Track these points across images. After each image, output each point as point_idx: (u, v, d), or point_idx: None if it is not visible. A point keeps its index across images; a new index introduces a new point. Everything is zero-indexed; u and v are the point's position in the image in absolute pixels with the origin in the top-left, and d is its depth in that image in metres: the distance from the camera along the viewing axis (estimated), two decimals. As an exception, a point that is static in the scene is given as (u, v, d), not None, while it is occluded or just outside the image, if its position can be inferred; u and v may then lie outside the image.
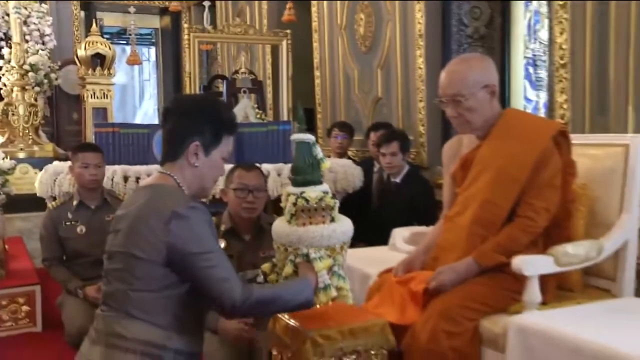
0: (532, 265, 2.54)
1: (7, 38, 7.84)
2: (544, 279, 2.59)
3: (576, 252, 2.64)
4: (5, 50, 7.50)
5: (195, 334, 2.17)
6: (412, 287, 2.70)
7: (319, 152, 2.41)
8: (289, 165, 4.68)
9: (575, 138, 2.83)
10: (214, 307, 2.20)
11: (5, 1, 7.81)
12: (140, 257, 2.02)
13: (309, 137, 2.41)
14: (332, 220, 2.37)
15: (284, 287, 2.26)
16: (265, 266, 2.50)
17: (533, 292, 2.53)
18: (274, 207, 4.79)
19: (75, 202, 4.14)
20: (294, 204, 2.33)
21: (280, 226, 2.37)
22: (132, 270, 2.03)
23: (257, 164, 3.59)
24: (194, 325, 2.17)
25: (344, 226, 2.39)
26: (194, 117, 2.18)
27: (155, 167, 4.59)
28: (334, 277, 2.36)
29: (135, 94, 16.65)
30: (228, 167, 3.82)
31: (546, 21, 4.64)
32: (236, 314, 2.14)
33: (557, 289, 2.76)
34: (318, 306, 2.32)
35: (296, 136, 2.42)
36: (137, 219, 2.06)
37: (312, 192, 2.35)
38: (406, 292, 2.71)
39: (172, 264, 2.02)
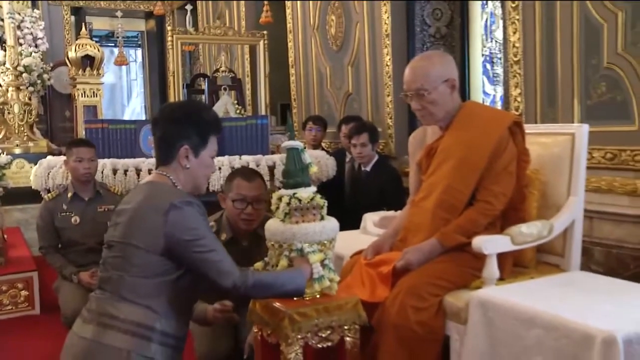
0: (491, 245, 2.57)
1: (2, 41, 7.77)
2: (501, 257, 2.62)
3: (530, 232, 2.67)
4: (0, 53, 7.41)
5: (182, 319, 2.18)
6: (382, 270, 2.72)
7: (307, 157, 2.44)
8: (267, 157, 4.74)
9: (527, 128, 2.85)
10: (215, 288, 2.19)
11: (-1, 7, 7.73)
12: (139, 246, 2.04)
13: (298, 144, 2.45)
14: (322, 218, 2.42)
15: (280, 274, 2.29)
16: (258, 264, 2.51)
17: (492, 269, 2.57)
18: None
19: (69, 194, 4.13)
20: (288, 204, 2.36)
21: (274, 225, 2.39)
22: (130, 258, 2.05)
23: (254, 164, 3.42)
24: (183, 311, 2.18)
25: (332, 224, 2.44)
26: (181, 123, 2.19)
27: (141, 160, 4.59)
28: (326, 269, 2.39)
29: (123, 92, 16.47)
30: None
31: (501, 22, 4.67)
32: (235, 294, 2.15)
33: (513, 266, 2.79)
34: (307, 298, 2.36)
35: (287, 143, 2.45)
36: (137, 213, 2.09)
37: (304, 193, 2.39)
38: (375, 274, 2.73)
39: (170, 252, 2.04)
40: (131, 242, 2.05)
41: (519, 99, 3.83)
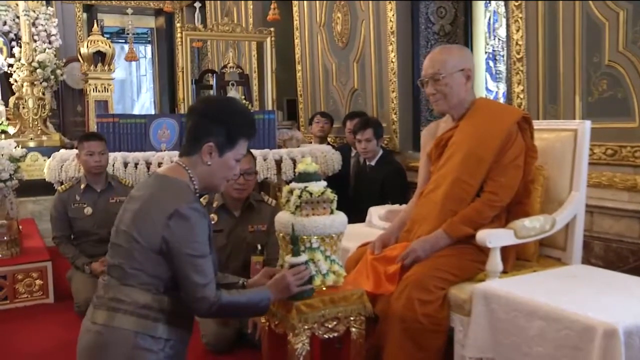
0: (495, 238, 2.56)
1: (18, 38, 7.78)
2: (504, 250, 2.62)
3: (533, 226, 2.66)
4: (16, 50, 7.43)
5: None
6: (389, 269, 2.70)
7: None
8: (274, 151, 4.73)
9: (531, 124, 2.85)
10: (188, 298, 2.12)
11: (15, 5, 7.71)
12: (139, 241, 2.02)
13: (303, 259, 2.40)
14: (332, 212, 2.42)
15: (248, 296, 2.19)
16: (258, 257, 2.52)
17: (495, 262, 2.56)
18: (260, 187, 4.80)
19: (82, 186, 4.16)
20: (299, 197, 2.35)
21: (285, 217, 2.38)
22: (132, 251, 2.04)
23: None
24: None
25: (341, 217, 2.44)
26: (212, 119, 2.13)
27: (151, 154, 4.60)
28: (333, 264, 2.39)
29: (133, 87, 16.50)
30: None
31: (504, 20, 4.65)
32: (203, 316, 2.15)
33: (516, 259, 2.79)
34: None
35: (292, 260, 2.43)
36: (144, 207, 2.05)
37: (315, 187, 2.40)
38: (382, 271, 2.71)
39: (164, 254, 2.02)
40: (134, 235, 2.03)
41: (521, 95, 3.82)
